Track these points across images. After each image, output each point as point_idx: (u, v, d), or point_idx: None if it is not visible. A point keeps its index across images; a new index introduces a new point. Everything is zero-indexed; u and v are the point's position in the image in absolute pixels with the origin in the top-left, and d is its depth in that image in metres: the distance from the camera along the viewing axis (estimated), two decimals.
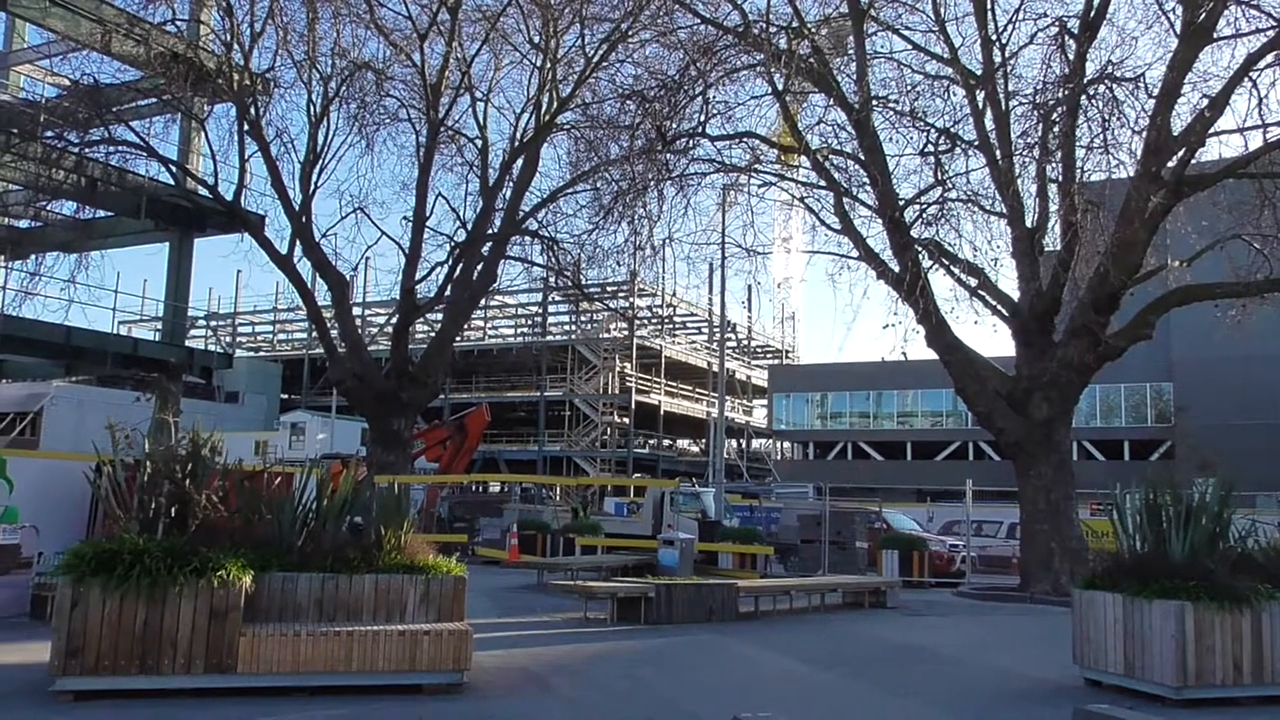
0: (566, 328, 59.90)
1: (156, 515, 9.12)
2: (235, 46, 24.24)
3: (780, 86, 21.57)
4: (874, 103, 20.91)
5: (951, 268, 21.50)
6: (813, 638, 14.10)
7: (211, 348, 58.63)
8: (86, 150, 23.51)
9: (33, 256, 25.41)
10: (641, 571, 19.57)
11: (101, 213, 26.65)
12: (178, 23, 24.52)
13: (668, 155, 22.27)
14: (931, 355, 22.21)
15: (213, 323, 69.97)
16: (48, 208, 25.15)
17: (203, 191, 25.74)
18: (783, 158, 24.61)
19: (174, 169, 25.81)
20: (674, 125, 21.76)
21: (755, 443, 68.07)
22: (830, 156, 21.97)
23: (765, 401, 64.81)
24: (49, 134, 23.01)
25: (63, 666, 8.16)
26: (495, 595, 17.48)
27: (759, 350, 72.97)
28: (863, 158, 21.18)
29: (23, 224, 26.60)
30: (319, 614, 9.09)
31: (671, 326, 64.95)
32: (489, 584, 18.64)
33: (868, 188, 21.45)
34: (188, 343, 31.60)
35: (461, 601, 9.56)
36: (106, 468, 10.09)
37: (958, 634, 15.03)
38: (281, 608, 9.02)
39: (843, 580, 18.97)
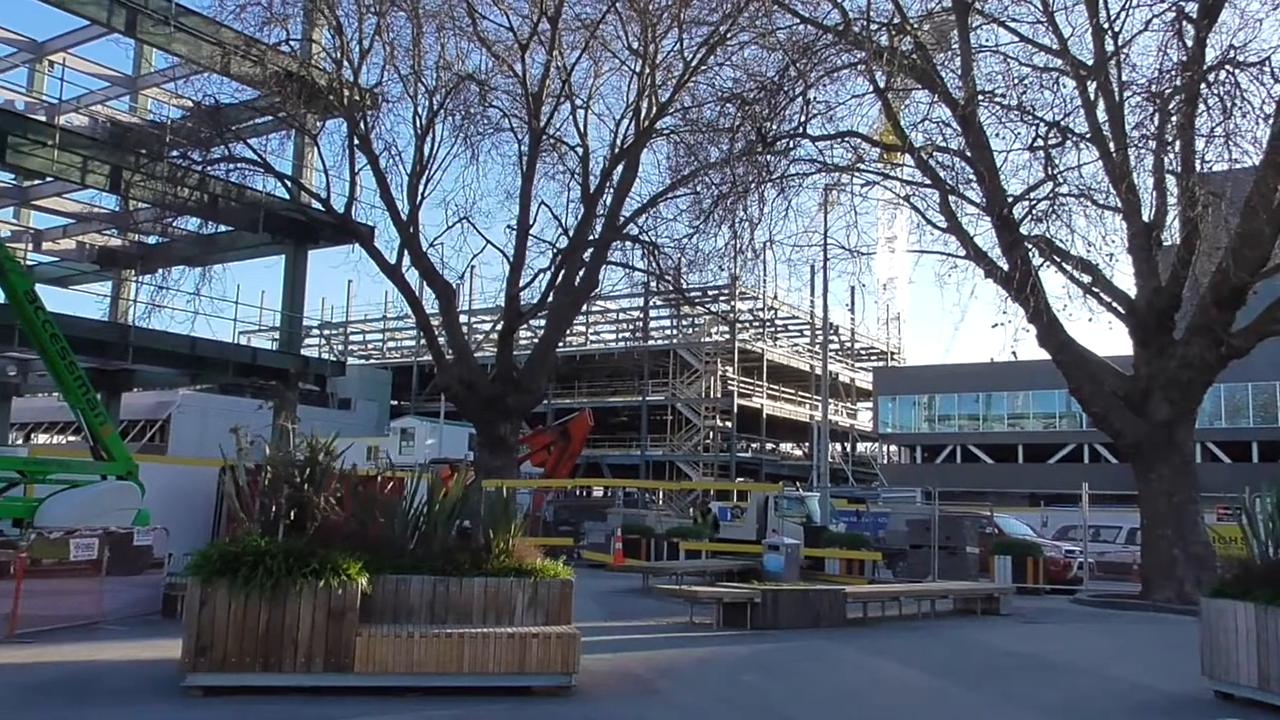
0: (668, 332, 59.97)
1: (277, 518, 9.46)
2: (345, 63, 25.00)
3: (882, 84, 21.24)
4: (980, 97, 20.40)
5: (1063, 265, 20.85)
6: (924, 644, 13.82)
7: (325, 356, 60.50)
8: (209, 168, 24.57)
9: (160, 271, 26.66)
10: (746, 576, 19.45)
11: (223, 228, 27.80)
12: (291, 43, 25.43)
13: (768, 157, 22.14)
14: (1043, 355, 21.57)
15: (326, 332, 72.19)
16: (173, 224, 26.33)
17: (316, 205, 26.62)
18: (885, 156, 24.21)
19: (289, 184, 26.78)
20: (774, 127, 21.61)
21: (860, 446, 67.06)
22: (935, 154, 21.53)
23: (870, 404, 63.79)
24: (174, 153, 24.13)
25: (193, 663, 8.53)
26: (601, 599, 17.61)
27: (863, 352, 71.90)
28: (969, 154, 20.70)
29: (151, 240, 27.89)
30: (430, 615, 9.29)
31: (773, 329, 64.48)
32: (594, 587, 18.78)
33: (974, 185, 20.96)
34: (303, 351, 32.67)
35: (569, 605, 9.65)
36: (230, 472, 10.50)
37: (1076, 642, 14.55)
38: (395, 609, 9.25)
39: (954, 586, 18.55)
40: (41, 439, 48.47)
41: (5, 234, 29.42)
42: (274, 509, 9.50)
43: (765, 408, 58.55)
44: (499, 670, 8.98)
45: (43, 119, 25.85)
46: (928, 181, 21.67)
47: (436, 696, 8.74)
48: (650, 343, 57.70)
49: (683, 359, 56.85)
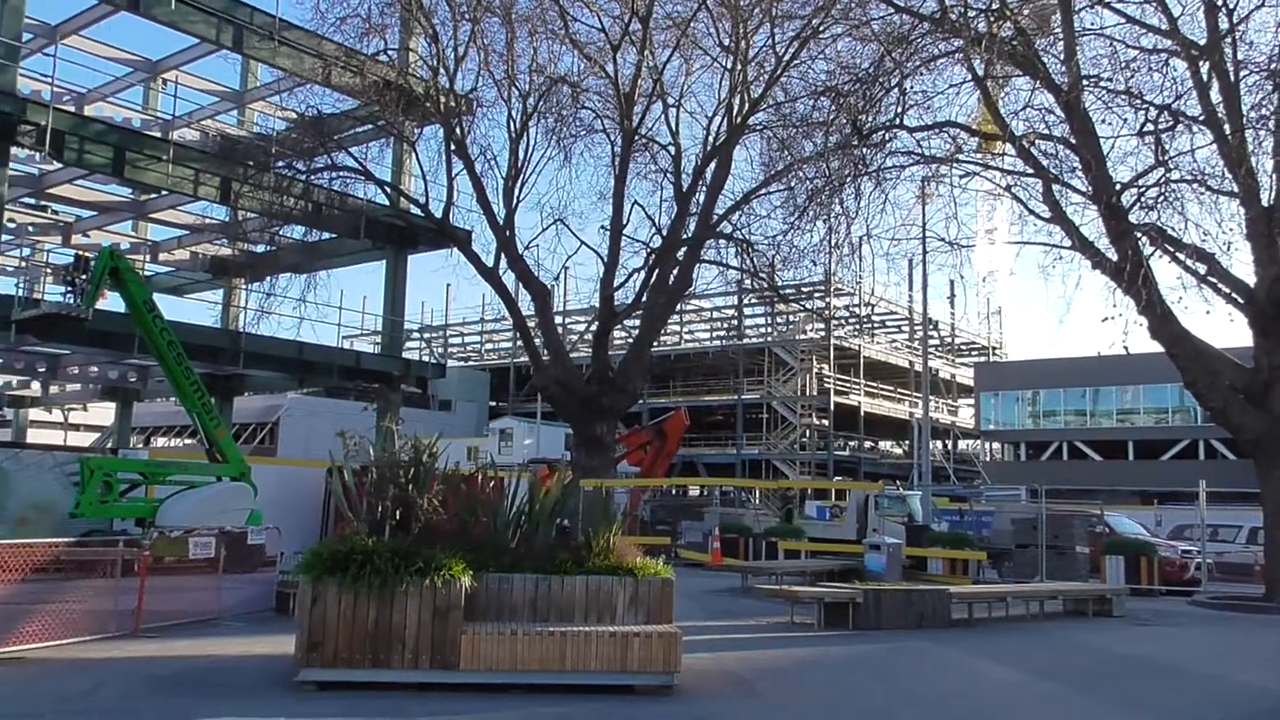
0: (763, 330, 59.55)
1: (383, 517, 9.68)
2: (441, 70, 25.45)
3: (981, 72, 20.72)
4: (1084, 82, 19.74)
5: (1177, 254, 20.02)
6: (1033, 647, 13.45)
7: (425, 358, 61.75)
8: (312, 177, 25.31)
9: (268, 278, 27.58)
10: (847, 576, 19.22)
11: (326, 235, 28.61)
12: (389, 52, 26.01)
13: (864, 150, 21.79)
14: (1155, 348, 20.77)
15: (426, 334, 73.68)
16: (280, 233, 27.18)
17: (415, 210, 27.18)
18: (985, 146, 23.59)
19: (389, 190, 27.40)
20: (869, 119, 21.27)
21: (962, 444, 65.60)
22: (1037, 142, 20.91)
23: (972, 401, 62.32)
24: (280, 164, 24.91)
25: (305, 659, 8.79)
26: (699, 598, 17.58)
27: (964, 347, 70.31)
28: (1073, 141, 20.04)
29: (259, 249, 28.85)
30: (533, 614, 9.40)
31: (870, 325, 63.51)
32: (692, 587, 18.76)
33: (1079, 173, 20.28)
34: (404, 354, 33.40)
35: (670, 604, 9.66)
36: (337, 473, 10.78)
37: (1193, 646, 13.99)
38: (498, 607, 9.38)
39: (1063, 587, 18.01)
40: (160, 442, 50.51)
41: (125, 246, 30.73)
42: (380, 509, 9.72)
43: (863, 405, 57.71)
44: (601, 669, 9.04)
45: (158, 135, 26.96)
46: (1030, 170, 21.06)
47: (540, 694, 8.84)
48: (745, 341, 57.39)
49: (778, 357, 56.40)
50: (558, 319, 38.51)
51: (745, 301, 53.46)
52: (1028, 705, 9.69)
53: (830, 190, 22.42)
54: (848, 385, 57.09)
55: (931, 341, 55.64)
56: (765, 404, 56.48)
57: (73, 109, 26.02)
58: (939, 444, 60.37)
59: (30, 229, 30.84)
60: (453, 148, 25.96)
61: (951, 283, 58.54)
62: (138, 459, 20.47)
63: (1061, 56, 20.17)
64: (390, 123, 25.56)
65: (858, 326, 60.54)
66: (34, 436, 43.15)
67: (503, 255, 27.02)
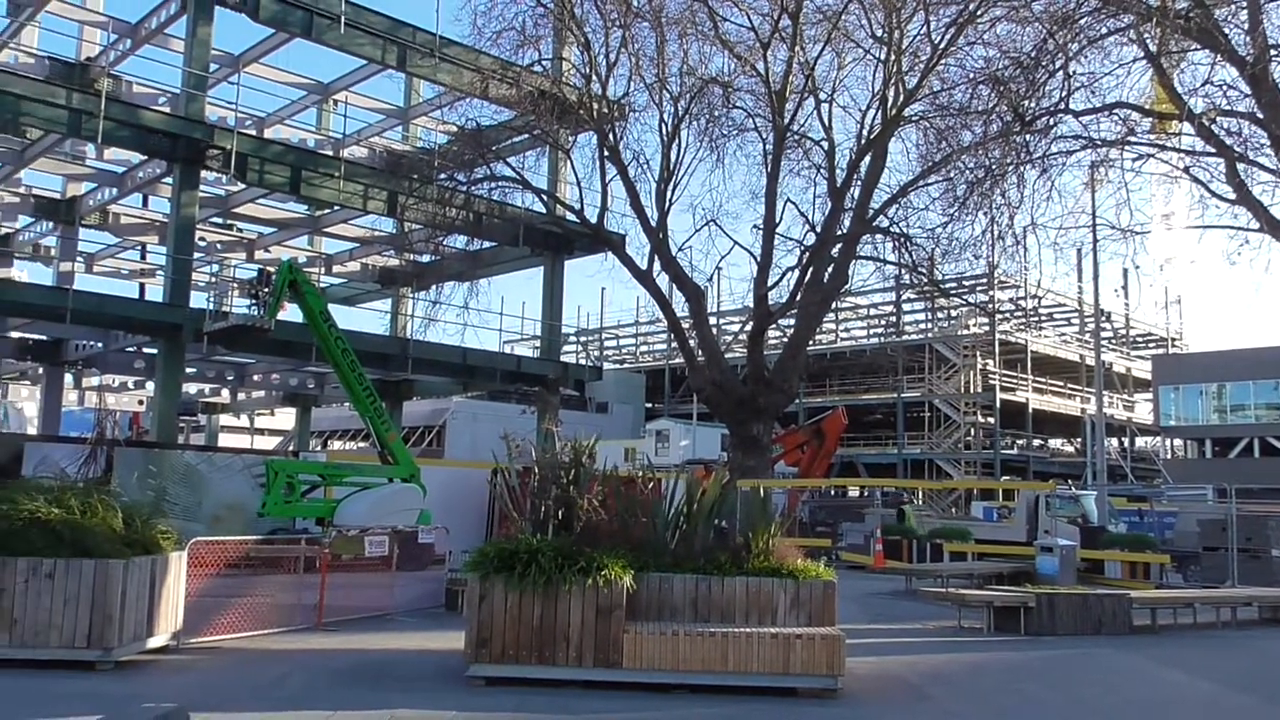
0: (922, 326, 58.04)
1: (546, 517, 9.91)
2: (593, 78, 25.86)
3: (1154, 48, 19.58)
4: (1272, 51, 18.38)
5: None
6: (1224, 656, 12.62)
7: (582, 362, 62.87)
8: (473, 188, 26.14)
9: (433, 287, 28.62)
10: (1017, 579, 18.50)
11: (487, 243, 29.49)
12: (543, 63, 26.61)
13: (1027, 137, 20.91)
14: None
15: (582, 338, 75.02)
16: (444, 243, 28.18)
17: (570, 217, 27.70)
18: (1159, 126, 22.26)
19: (545, 198, 28.04)
20: (1033, 104, 20.39)
21: (1139, 441, 62.18)
22: (1219, 119, 19.60)
23: (1149, 395, 59.00)
24: (442, 176, 25.84)
25: (474, 655, 9.08)
26: (862, 601, 17.27)
27: (1139, 339, 66.66)
28: (1260, 116, 18.70)
29: (424, 259, 29.99)
30: (694, 614, 9.43)
31: (1037, 319, 60.96)
32: (854, 589, 18.44)
33: (1268, 150, 18.90)
34: (562, 358, 34.07)
35: (832, 606, 9.53)
36: (501, 474, 11.10)
37: None
38: (659, 607, 9.45)
39: (1259, 593, 16.81)
40: (336, 445, 53.12)
41: (302, 260, 32.45)
42: (543, 509, 9.96)
43: (1031, 401, 55.46)
44: (763, 670, 8.99)
45: (330, 154, 28.37)
46: (1211, 150, 19.75)
47: (703, 694, 8.86)
48: (904, 337, 56.06)
49: (939, 353, 54.82)
50: (712, 320, 38.53)
51: (904, 297, 52.20)
52: (1222, 717, 9.09)
53: (992, 180, 21.63)
54: (1014, 381, 54.98)
55: (1104, 334, 52.97)
56: (927, 402, 55.01)
57: (254, 132, 27.67)
58: (1114, 441, 57.37)
59: (218, 246, 32.96)
60: (606, 153, 26.33)
61: (1125, 272, 55.51)
62: (317, 461, 21.56)
63: (1245, 26, 18.84)
64: (545, 132, 26.14)
65: (1024, 320, 58.20)
66: (224, 440, 46.11)
67: (656, 258, 27.22)
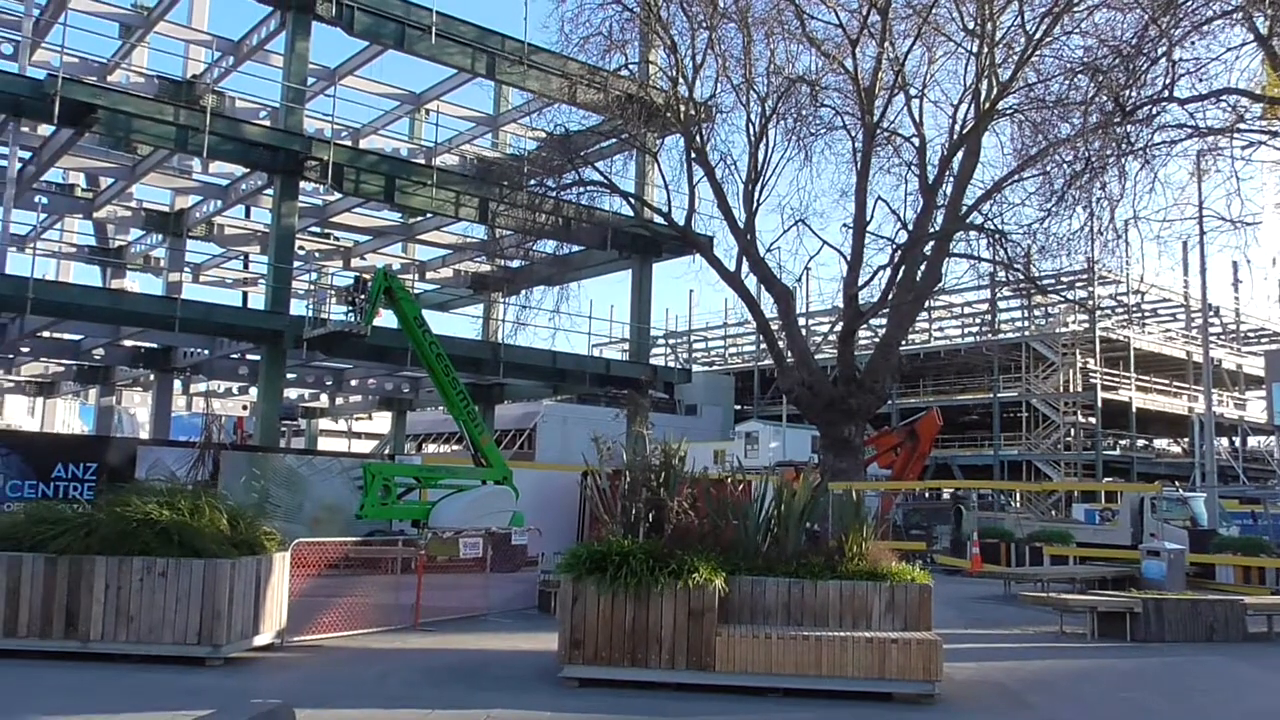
0: (1019, 324, 56.60)
1: (637, 520, 9.94)
2: (680, 80, 25.90)
3: (1264, 30, 18.78)
4: None
5: None
6: None
7: (670, 364, 62.93)
8: (562, 193, 26.41)
9: (523, 292, 28.98)
10: (1122, 584, 17.92)
11: (575, 248, 29.76)
12: (630, 67, 26.77)
13: (1128, 127, 20.27)
14: None
15: (670, 340, 75.08)
16: (533, 248, 28.53)
17: (658, 219, 27.79)
18: (1270, 111, 21.35)
19: (633, 201, 28.17)
20: (1134, 93, 19.75)
21: (1252, 440, 59.59)
22: None
23: (1263, 393, 56.48)
24: (532, 182, 26.16)
25: (568, 656, 9.16)
26: (959, 605, 16.91)
27: (1251, 335, 63.92)
28: None
29: (515, 264, 30.41)
30: (786, 617, 9.36)
31: (1140, 315, 58.94)
32: (951, 593, 18.07)
33: None
34: (651, 360, 34.17)
35: (928, 610, 9.36)
36: (591, 477, 11.17)
37: None
38: (751, 610, 9.40)
39: None
40: (430, 448, 54.09)
41: (396, 267, 33.19)
42: (634, 511, 9.99)
43: (1134, 400, 53.62)
44: (857, 675, 8.87)
45: (422, 162, 28.96)
46: None
47: (796, 698, 8.78)
48: (1000, 336, 54.72)
49: (1037, 352, 53.39)
50: (800, 320, 38.20)
51: (999, 295, 50.95)
52: None
53: (1091, 173, 21.05)
54: (1116, 380, 53.23)
55: (1213, 329, 50.98)
56: (1024, 402, 53.61)
57: (349, 143, 28.43)
58: (1224, 441, 55.14)
59: (316, 255, 33.93)
60: (693, 155, 26.34)
61: (1235, 265, 53.37)
62: (412, 464, 22.00)
63: None
64: (633, 135, 26.28)
65: (1126, 316, 56.35)
66: (323, 444, 47.33)
67: (744, 259, 27.12)
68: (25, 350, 29.37)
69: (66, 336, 28.59)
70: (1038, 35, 23.76)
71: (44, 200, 28.00)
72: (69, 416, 55.71)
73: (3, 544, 9.92)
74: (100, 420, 35.12)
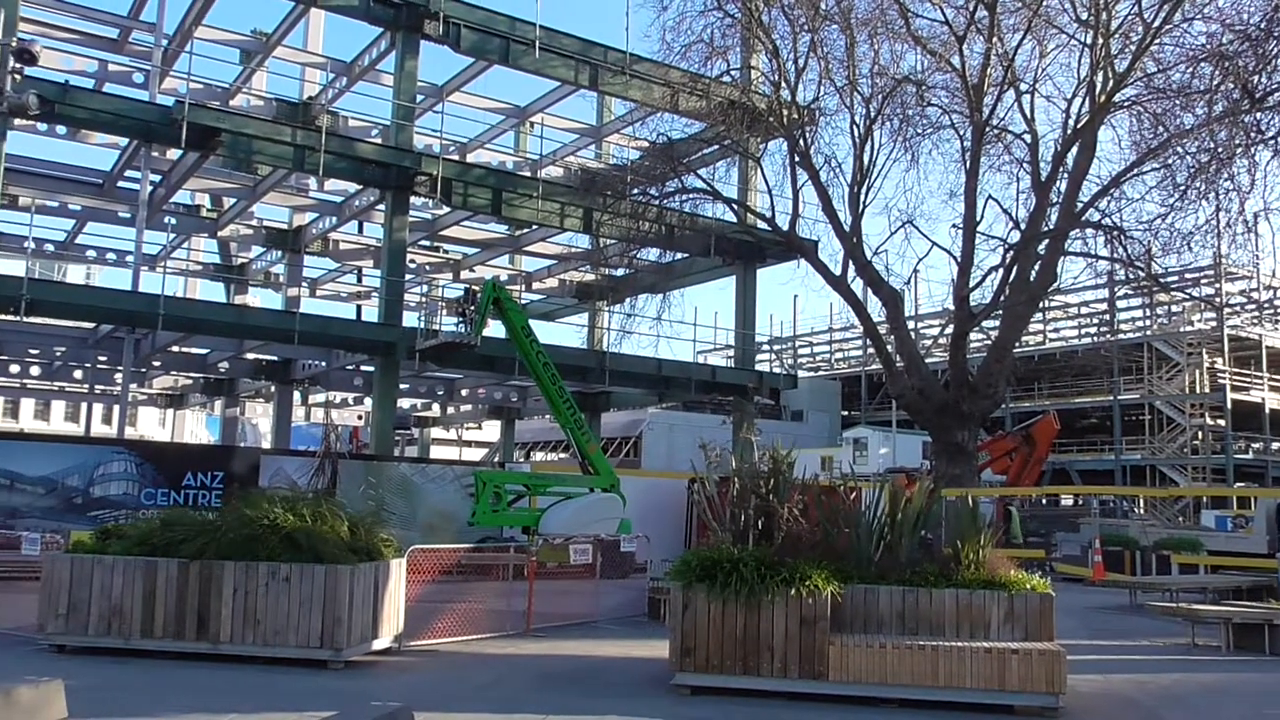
0: (1140, 323, 54.49)
1: (747, 527, 9.88)
2: (782, 84, 25.72)
3: None
4: None
5: None
6: None
7: (776, 370, 62.46)
8: (665, 201, 26.48)
9: (628, 300, 29.14)
10: (1258, 594, 17.04)
11: (679, 255, 29.80)
12: (732, 73, 26.69)
13: (1257, 115, 19.35)
14: None
15: (775, 346, 74.51)
16: (637, 256, 28.68)
17: (761, 225, 27.62)
18: None
19: (736, 207, 28.07)
20: (1263, 79, 18.85)
21: None
22: None
23: None
24: (635, 191, 26.30)
25: (679, 663, 9.15)
26: (1081, 615, 16.35)
27: None
28: None
29: (619, 273, 30.61)
30: (900, 627, 9.18)
31: (1273, 311, 56.09)
32: (1072, 603, 17.45)
33: None
34: (756, 366, 33.96)
35: (1050, 620, 9.07)
36: (698, 484, 11.15)
37: None
38: (864, 619, 9.25)
39: None
40: (539, 456, 54.77)
41: (503, 278, 33.75)
42: (743, 518, 9.93)
43: (1268, 401, 51.04)
44: (976, 686, 8.65)
45: (528, 175, 29.41)
46: None
47: (912, 709, 8.61)
48: (1120, 336, 52.74)
49: (1160, 352, 51.29)
50: (909, 324, 37.50)
51: (1119, 293, 49.11)
52: None
53: (1217, 164, 20.14)
54: (1247, 380, 50.77)
55: None
56: (1147, 404, 51.55)
57: (457, 158, 29.03)
58: None
59: (427, 268, 34.74)
60: (797, 160, 26.11)
61: None
62: (521, 472, 22.31)
63: None
64: (735, 141, 26.21)
65: (1258, 313, 53.69)
66: (434, 452, 48.42)
67: (850, 263, 26.74)
68: (157, 364, 30.80)
69: (194, 351, 29.88)
70: (1156, 23, 22.88)
71: (173, 221, 29.36)
72: (196, 427, 58.29)
73: (140, 549, 10.42)
74: (225, 430, 36.63)
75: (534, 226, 29.83)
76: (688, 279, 31.93)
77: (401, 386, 28.87)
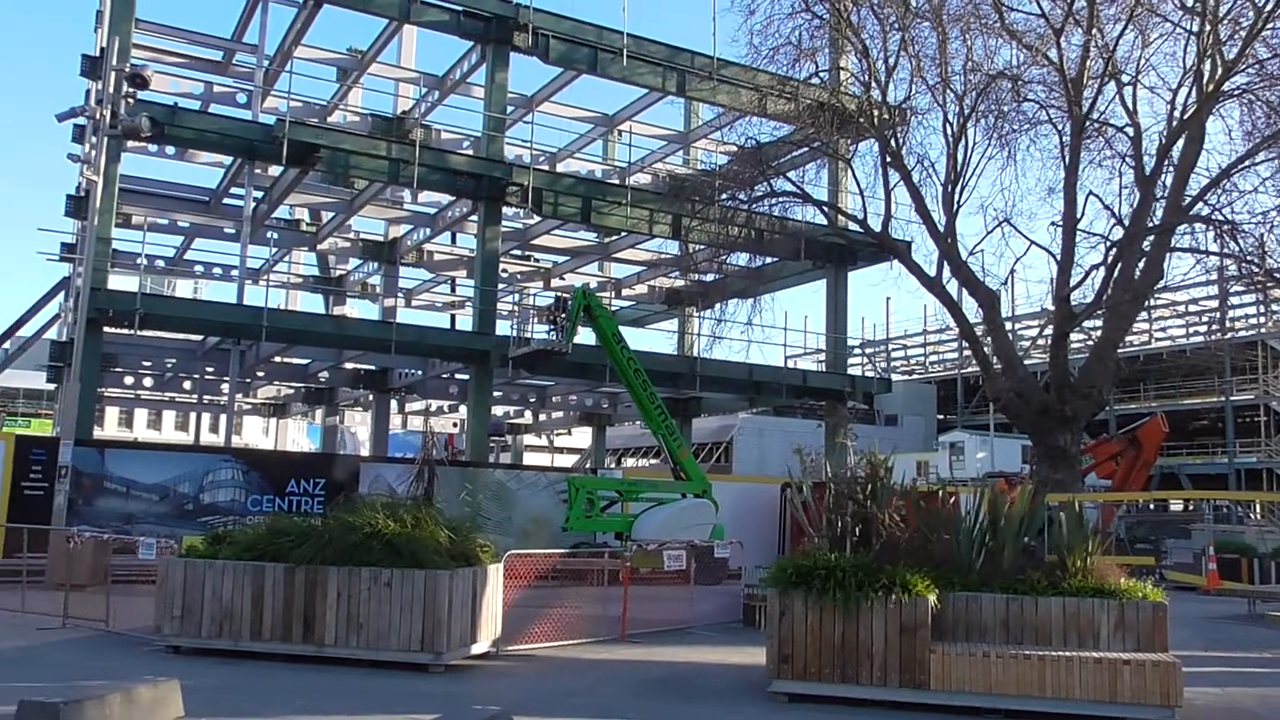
0: (1253, 321, 52.25)
1: (844, 533, 9.75)
2: (872, 84, 25.35)
3: None
4: None
5: None
6: None
7: (869, 374, 61.60)
8: (754, 205, 26.33)
9: (718, 305, 29.04)
10: None
11: (769, 259, 29.61)
12: (820, 74, 26.41)
13: None
14: None
15: (867, 350, 73.47)
16: (726, 261, 28.57)
17: (853, 227, 27.26)
18: None
19: (826, 210, 27.75)
20: None
21: None
22: None
23: None
24: (724, 196, 26.21)
25: (777, 670, 9.07)
26: (1195, 625, 15.73)
27: None
28: None
29: (708, 278, 30.54)
30: (1004, 635, 8.96)
31: None
32: (1185, 612, 16.79)
33: None
34: (848, 370, 33.53)
35: (1163, 630, 8.75)
36: (792, 489, 11.05)
37: None
38: (966, 627, 9.05)
39: None
40: (630, 462, 54.93)
41: (593, 285, 33.97)
42: (840, 524, 9.80)
43: None
44: (1086, 697, 8.38)
45: (617, 183, 29.56)
46: None
47: None
48: (1232, 335, 50.65)
49: (1275, 350, 49.10)
50: (1007, 325, 36.60)
51: (1230, 290, 47.12)
52: None
53: None
54: None
55: None
56: (1262, 405, 49.41)
57: (547, 167, 29.34)
58: None
59: (518, 276, 35.18)
60: (888, 160, 25.68)
61: None
62: (613, 478, 22.44)
63: None
64: (825, 143, 25.91)
65: None
66: (528, 459, 48.97)
67: (944, 263, 26.19)
68: (261, 374, 31.79)
69: (295, 361, 30.77)
70: (1270, 6, 21.92)
71: (274, 235, 30.32)
72: (298, 436, 59.99)
73: (248, 554, 10.75)
74: (326, 439, 37.62)
75: (623, 233, 29.98)
76: (778, 283, 31.68)
77: (495, 394, 29.24)
